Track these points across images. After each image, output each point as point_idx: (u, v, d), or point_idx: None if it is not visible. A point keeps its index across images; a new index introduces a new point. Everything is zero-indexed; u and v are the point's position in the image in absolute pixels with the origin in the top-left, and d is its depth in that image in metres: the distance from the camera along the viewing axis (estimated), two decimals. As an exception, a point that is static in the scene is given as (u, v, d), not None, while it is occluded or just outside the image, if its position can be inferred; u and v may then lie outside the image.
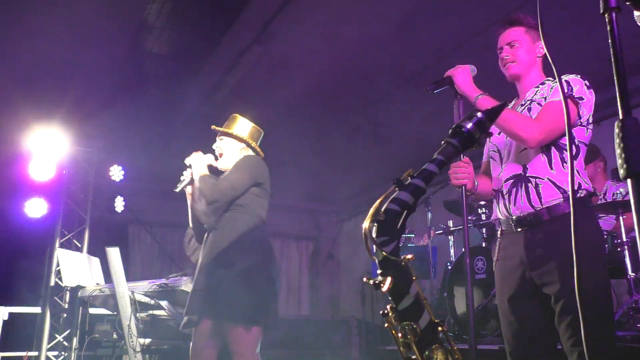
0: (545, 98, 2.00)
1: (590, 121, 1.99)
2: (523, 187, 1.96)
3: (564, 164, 1.93)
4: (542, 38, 1.15)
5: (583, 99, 1.94)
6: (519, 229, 1.96)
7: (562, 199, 1.89)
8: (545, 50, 1.15)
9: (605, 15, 0.97)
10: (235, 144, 2.70)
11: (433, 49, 4.70)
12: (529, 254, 1.91)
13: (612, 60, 0.95)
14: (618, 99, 0.93)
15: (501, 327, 2.04)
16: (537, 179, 1.94)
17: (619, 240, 3.63)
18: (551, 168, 1.94)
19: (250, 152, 2.73)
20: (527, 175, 1.97)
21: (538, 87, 2.09)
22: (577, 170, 1.94)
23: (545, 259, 1.87)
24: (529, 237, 1.92)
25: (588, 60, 4.79)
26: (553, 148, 1.96)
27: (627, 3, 0.99)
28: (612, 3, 0.96)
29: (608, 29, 0.96)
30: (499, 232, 2.08)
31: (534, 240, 1.91)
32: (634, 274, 3.47)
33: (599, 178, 4.21)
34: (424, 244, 5.74)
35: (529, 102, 2.06)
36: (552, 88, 2.01)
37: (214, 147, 2.74)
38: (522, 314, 1.94)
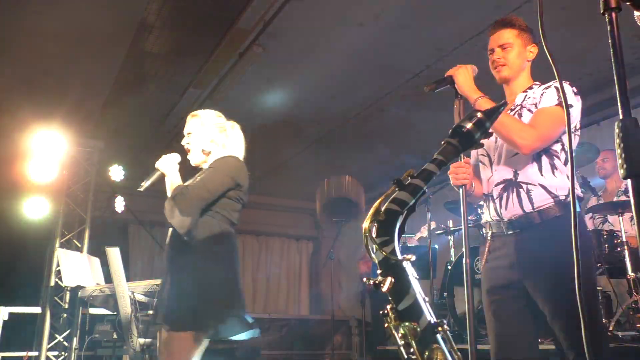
0: (535, 104, 2.01)
1: (578, 127, 2.00)
2: (514, 191, 1.98)
3: (555, 170, 1.95)
4: (542, 38, 1.14)
5: (572, 106, 1.95)
6: (510, 232, 1.97)
7: (553, 203, 1.91)
8: (546, 50, 1.14)
9: (605, 15, 0.97)
10: (202, 136, 2.50)
11: (433, 49, 4.70)
12: (520, 256, 1.92)
13: (612, 60, 0.95)
14: (618, 99, 0.93)
15: (487, 327, 2.04)
16: (528, 185, 1.96)
17: (619, 240, 3.63)
18: (542, 174, 1.96)
19: (220, 146, 2.52)
20: (518, 180, 1.99)
21: (527, 91, 2.09)
22: (567, 176, 1.96)
23: (535, 261, 1.88)
24: (520, 240, 1.94)
25: (588, 60, 4.80)
26: (543, 154, 1.98)
27: (627, 3, 0.99)
28: (612, 3, 0.96)
29: (608, 29, 0.96)
30: (488, 235, 2.08)
31: (525, 243, 1.92)
32: (634, 274, 3.47)
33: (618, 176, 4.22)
34: (422, 235, 5.73)
35: (519, 107, 2.06)
36: (542, 94, 2.01)
37: (182, 143, 2.56)
38: (510, 315, 1.95)
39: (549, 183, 1.94)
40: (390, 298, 1.00)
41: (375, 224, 1.02)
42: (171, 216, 2.27)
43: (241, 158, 2.55)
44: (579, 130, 2.03)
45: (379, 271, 1.01)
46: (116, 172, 6.38)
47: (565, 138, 1.98)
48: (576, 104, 1.96)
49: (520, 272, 1.92)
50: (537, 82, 2.11)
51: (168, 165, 2.45)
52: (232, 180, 2.36)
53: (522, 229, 1.94)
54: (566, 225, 1.86)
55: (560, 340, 1.82)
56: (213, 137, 2.50)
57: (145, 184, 2.54)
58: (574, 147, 2.00)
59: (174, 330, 2.20)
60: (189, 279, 2.25)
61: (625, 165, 0.88)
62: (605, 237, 3.73)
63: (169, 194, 2.36)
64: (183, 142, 2.54)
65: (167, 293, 2.28)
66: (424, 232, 5.61)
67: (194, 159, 2.52)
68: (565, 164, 1.96)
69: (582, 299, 1.74)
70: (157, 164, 2.47)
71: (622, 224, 3.64)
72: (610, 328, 3.39)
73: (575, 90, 1.97)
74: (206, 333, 2.24)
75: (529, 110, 2.02)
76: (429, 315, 0.99)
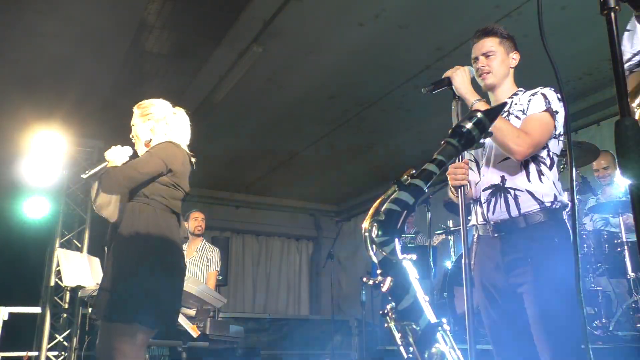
0: (523, 111, 2.04)
1: (562, 133, 2.04)
2: (502, 197, 2.02)
3: (541, 176, 1.99)
4: (542, 38, 1.14)
5: (558, 112, 1.99)
6: (496, 235, 2.01)
7: (538, 209, 1.96)
8: (547, 51, 1.14)
9: (605, 15, 0.97)
10: (144, 125, 2.49)
11: (433, 49, 4.70)
12: (505, 258, 1.97)
13: (611, 60, 0.95)
14: (617, 99, 0.93)
15: (485, 325, 2.09)
16: (516, 191, 2.00)
17: (619, 240, 3.63)
18: (529, 180, 2.00)
19: (160, 135, 2.49)
20: (505, 186, 2.02)
21: (512, 97, 2.12)
22: (553, 182, 2.00)
23: (519, 263, 1.93)
24: (505, 242, 1.99)
25: (588, 60, 4.80)
26: (531, 161, 2.01)
27: (626, 3, 0.99)
28: (611, 3, 0.96)
29: (607, 29, 0.96)
30: (475, 237, 2.13)
31: (509, 245, 1.97)
32: (634, 274, 3.47)
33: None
34: (424, 244, 5.75)
35: (505, 113, 2.09)
36: (529, 101, 2.04)
37: (130, 136, 2.57)
38: (503, 313, 2.00)
39: (536, 189, 1.98)
40: (390, 298, 1.00)
41: (375, 224, 1.01)
42: (95, 198, 2.29)
43: (184, 144, 2.54)
44: (563, 136, 2.07)
45: (378, 271, 1.01)
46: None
47: (551, 143, 2.02)
48: (561, 110, 2.00)
49: (505, 272, 1.97)
50: (521, 89, 2.15)
51: (117, 156, 2.45)
52: (164, 164, 2.33)
53: (507, 232, 1.99)
54: (550, 230, 1.92)
55: (537, 336, 1.86)
56: (152, 126, 2.50)
57: (90, 172, 2.54)
58: (557, 152, 2.03)
59: (108, 322, 2.18)
60: (125, 268, 2.24)
61: (625, 165, 0.88)
62: (605, 237, 3.73)
63: (103, 176, 2.35)
64: (131, 135, 2.56)
65: (105, 284, 2.26)
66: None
67: (139, 150, 2.52)
68: (551, 169, 2.01)
69: (556, 300, 1.78)
70: (106, 154, 2.48)
71: (622, 224, 3.65)
72: (610, 328, 3.39)
73: (559, 97, 2.00)
74: (142, 325, 2.21)
75: (517, 117, 2.05)
76: (429, 315, 0.99)
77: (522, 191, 1.98)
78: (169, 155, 2.36)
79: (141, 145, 2.51)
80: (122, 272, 2.24)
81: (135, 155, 2.53)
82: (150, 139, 2.49)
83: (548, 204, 1.95)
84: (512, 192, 2.00)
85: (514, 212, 1.97)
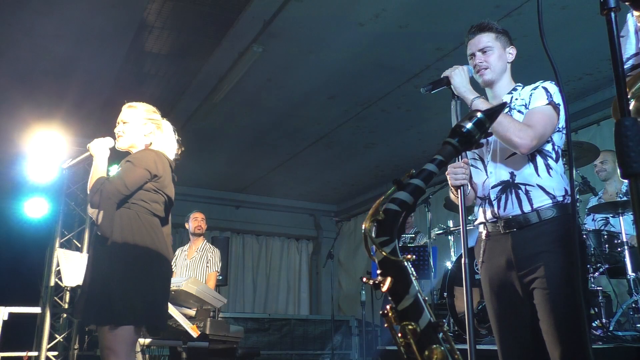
0: (525, 105, 2.03)
1: (564, 126, 2.03)
2: (513, 193, 2.00)
3: (550, 170, 1.98)
4: (541, 38, 1.14)
5: (560, 104, 1.98)
6: (507, 231, 2.00)
7: (551, 204, 1.95)
8: (547, 52, 1.14)
9: (605, 15, 0.97)
10: (140, 128, 2.55)
11: (433, 49, 4.70)
12: (516, 254, 1.95)
13: (612, 60, 0.95)
14: (617, 99, 0.93)
15: (491, 325, 2.07)
16: (526, 186, 1.99)
17: (619, 241, 3.63)
18: (538, 174, 1.99)
19: (153, 140, 2.57)
20: (515, 182, 2.01)
21: (511, 93, 2.11)
22: (561, 176, 2.00)
23: (531, 258, 1.92)
24: (516, 238, 1.97)
25: (588, 60, 4.80)
26: (537, 155, 2.00)
27: (626, 3, 0.99)
28: (611, 3, 0.96)
29: (607, 29, 0.96)
30: (483, 235, 2.10)
31: (521, 241, 1.96)
32: (634, 274, 3.47)
33: (618, 177, 4.21)
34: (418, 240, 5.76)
35: (507, 108, 2.08)
36: (531, 95, 2.03)
37: (115, 130, 2.61)
38: (512, 311, 1.98)
39: (546, 183, 1.97)
40: (390, 298, 1.00)
41: (374, 224, 1.01)
42: (90, 208, 2.35)
43: (171, 155, 2.59)
44: (564, 129, 2.06)
45: (378, 271, 1.01)
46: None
47: (555, 137, 2.01)
48: (562, 103, 1.99)
49: (517, 268, 1.95)
50: (519, 84, 2.14)
51: (99, 148, 2.52)
52: (148, 173, 2.39)
53: (518, 227, 1.97)
54: (561, 225, 1.91)
55: (547, 333, 1.85)
56: (150, 130, 2.57)
57: (70, 162, 2.62)
58: (561, 146, 2.03)
59: (102, 326, 2.22)
60: (100, 271, 2.27)
61: (624, 165, 0.88)
62: (605, 237, 3.73)
63: (90, 176, 2.43)
64: (116, 130, 2.60)
65: (88, 289, 2.30)
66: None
67: (122, 145, 2.57)
68: (557, 162, 2.00)
69: (566, 294, 1.79)
70: (89, 146, 2.55)
71: (622, 224, 3.65)
72: (610, 328, 3.39)
73: (559, 90, 2.00)
74: (125, 323, 2.22)
75: (519, 111, 2.04)
76: (429, 315, 0.99)
77: (533, 186, 1.97)
78: (152, 164, 2.41)
79: (128, 142, 2.56)
80: (98, 275, 2.28)
81: (117, 151, 2.58)
82: (143, 142, 2.54)
83: (560, 199, 1.94)
84: (522, 187, 1.99)
85: (527, 207, 1.96)
